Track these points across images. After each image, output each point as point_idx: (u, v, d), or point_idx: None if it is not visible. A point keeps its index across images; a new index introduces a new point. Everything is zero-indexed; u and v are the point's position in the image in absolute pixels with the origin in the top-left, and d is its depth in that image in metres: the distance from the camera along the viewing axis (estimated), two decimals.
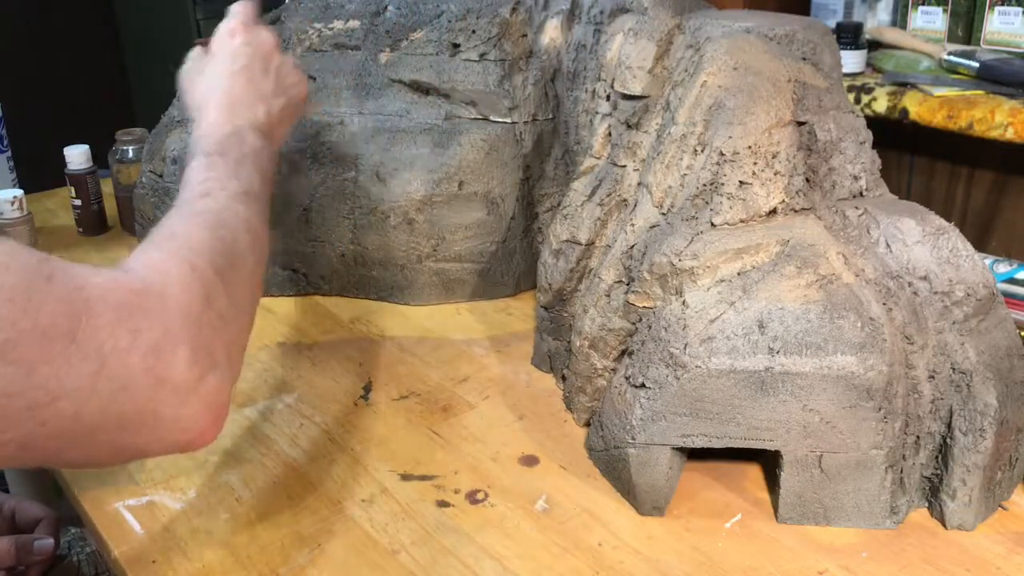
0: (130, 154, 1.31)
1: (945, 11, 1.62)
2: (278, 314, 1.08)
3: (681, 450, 0.72)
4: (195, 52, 0.84)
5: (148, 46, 3.28)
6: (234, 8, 0.85)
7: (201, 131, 0.75)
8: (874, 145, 0.81)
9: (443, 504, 0.74)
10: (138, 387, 0.51)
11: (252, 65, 0.80)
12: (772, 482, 0.74)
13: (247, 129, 0.75)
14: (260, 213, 0.70)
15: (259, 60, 0.81)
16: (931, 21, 1.64)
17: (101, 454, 0.53)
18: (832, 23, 1.62)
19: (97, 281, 0.51)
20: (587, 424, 0.83)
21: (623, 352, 0.78)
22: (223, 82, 0.78)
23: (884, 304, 0.69)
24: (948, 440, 0.69)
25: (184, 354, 0.53)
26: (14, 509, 0.80)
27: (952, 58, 1.50)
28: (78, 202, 1.33)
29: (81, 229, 1.35)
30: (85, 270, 0.51)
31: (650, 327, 0.72)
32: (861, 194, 0.79)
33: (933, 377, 0.70)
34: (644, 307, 0.74)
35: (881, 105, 1.46)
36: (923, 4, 1.65)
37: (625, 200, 0.83)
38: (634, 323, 0.76)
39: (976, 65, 1.45)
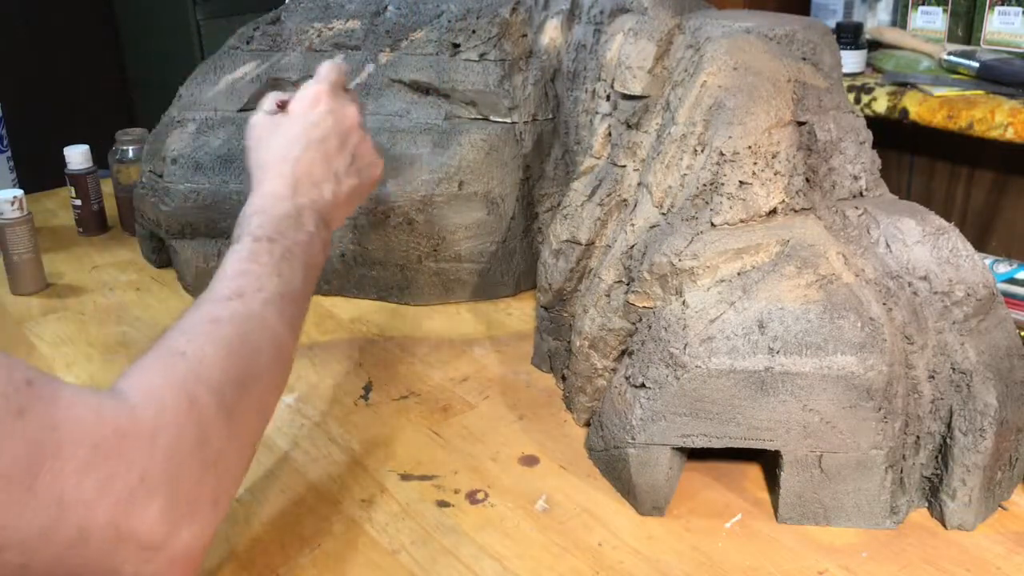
0: (130, 154, 1.31)
1: (945, 11, 1.62)
2: None
3: (681, 450, 0.72)
4: (268, 105, 0.78)
5: (148, 46, 3.28)
6: (323, 71, 0.79)
7: (257, 202, 0.69)
8: (874, 145, 0.81)
9: (443, 504, 0.74)
10: (99, 541, 0.46)
11: (329, 139, 0.74)
12: (772, 482, 0.74)
13: (308, 210, 0.69)
14: (293, 321, 0.64)
15: (338, 135, 0.75)
16: (931, 21, 1.65)
17: None
18: (832, 23, 1.62)
19: (78, 415, 0.46)
20: (587, 424, 0.83)
21: (623, 352, 0.78)
22: (295, 151, 0.72)
23: (884, 304, 0.69)
24: (948, 440, 0.69)
25: (159, 506, 0.47)
26: None
27: (952, 58, 1.50)
28: (78, 202, 1.33)
29: (81, 229, 1.35)
30: (70, 397, 0.46)
31: (650, 327, 0.72)
32: (861, 194, 0.79)
33: (933, 377, 0.70)
34: (644, 307, 0.74)
35: (881, 105, 1.46)
36: (923, 4, 1.65)
37: (625, 200, 0.83)
38: (634, 323, 0.76)
39: (976, 65, 1.45)
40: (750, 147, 0.73)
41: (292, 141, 0.73)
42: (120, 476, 0.46)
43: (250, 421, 0.57)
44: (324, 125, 0.74)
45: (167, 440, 0.49)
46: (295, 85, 0.78)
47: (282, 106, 0.77)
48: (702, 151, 0.75)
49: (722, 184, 0.73)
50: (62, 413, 0.45)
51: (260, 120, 0.76)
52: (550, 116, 1.09)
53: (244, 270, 0.62)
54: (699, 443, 0.69)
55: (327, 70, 0.79)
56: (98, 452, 0.45)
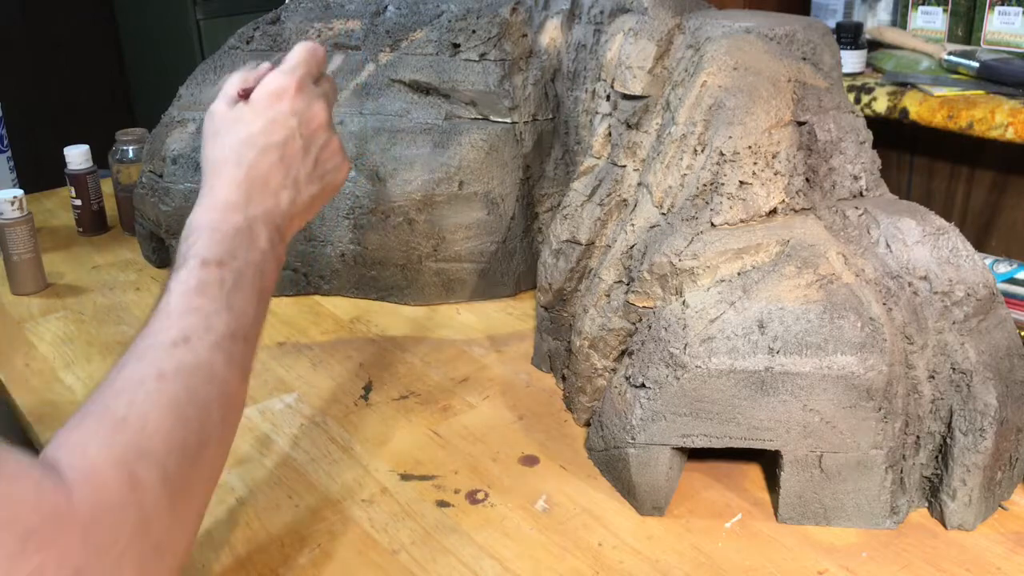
0: (130, 154, 1.31)
1: (945, 11, 1.62)
2: (278, 314, 1.08)
3: (681, 450, 0.72)
4: (228, 91, 0.69)
5: (148, 46, 3.28)
6: (293, 57, 0.69)
7: (204, 215, 0.62)
8: (874, 145, 0.81)
9: (443, 504, 0.74)
10: None
11: (291, 141, 0.66)
12: (772, 482, 0.74)
13: (261, 223, 0.63)
14: (244, 362, 0.58)
15: (302, 137, 0.67)
16: (931, 21, 1.64)
17: None
18: (832, 23, 1.62)
19: (18, 495, 0.41)
20: (587, 424, 0.83)
21: (623, 352, 0.78)
22: (251, 153, 0.64)
23: (884, 304, 0.69)
24: (948, 440, 0.69)
25: None
26: None
27: (952, 58, 1.50)
28: (78, 202, 1.33)
29: (81, 229, 1.35)
30: (12, 471, 0.42)
31: (650, 327, 0.72)
32: (861, 194, 0.79)
33: (933, 377, 0.70)
34: (644, 307, 0.74)
35: (881, 105, 1.46)
36: (923, 4, 1.65)
37: (625, 200, 0.83)
38: (634, 323, 0.76)
39: (976, 65, 1.45)
40: (750, 147, 0.73)
41: (249, 141, 0.65)
42: (52, 568, 0.41)
43: (197, 494, 0.53)
44: (287, 125, 0.66)
45: (105, 529, 0.44)
46: (272, 66, 0.70)
47: (245, 95, 0.68)
48: (702, 151, 0.75)
49: (722, 184, 0.73)
50: (2, 488, 0.41)
51: (219, 110, 0.68)
52: (550, 116, 1.09)
53: (192, 307, 0.56)
54: (699, 443, 0.69)
55: (298, 57, 0.69)
56: (31, 540, 0.41)
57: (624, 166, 0.83)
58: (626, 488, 0.73)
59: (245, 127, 0.66)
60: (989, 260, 1.11)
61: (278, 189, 0.65)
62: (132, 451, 0.48)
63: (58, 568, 0.41)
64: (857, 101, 1.48)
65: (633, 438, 0.70)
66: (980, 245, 1.58)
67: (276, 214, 0.65)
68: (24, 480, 0.42)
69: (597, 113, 0.89)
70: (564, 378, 0.89)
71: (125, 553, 0.45)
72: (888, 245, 0.74)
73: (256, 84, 0.69)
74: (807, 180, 0.75)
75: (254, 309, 0.60)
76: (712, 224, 0.72)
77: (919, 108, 1.41)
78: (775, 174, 0.73)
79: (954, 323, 0.71)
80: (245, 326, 0.58)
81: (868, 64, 1.60)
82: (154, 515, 0.47)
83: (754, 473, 0.77)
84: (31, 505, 0.41)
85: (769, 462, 0.74)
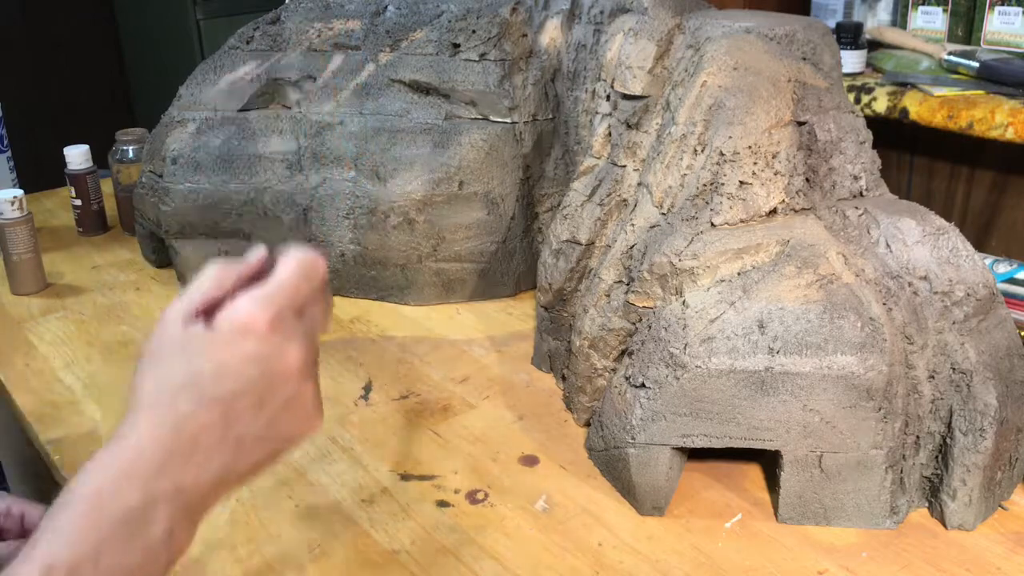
0: (130, 154, 1.31)
1: (945, 11, 1.62)
2: None
3: (681, 450, 0.72)
4: (189, 301, 0.53)
5: (148, 46, 3.28)
6: (288, 271, 0.54)
7: (96, 474, 0.47)
8: (874, 145, 0.81)
9: (443, 504, 0.74)
10: None
11: (243, 397, 0.51)
12: (772, 482, 0.74)
13: (162, 506, 0.48)
14: None
15: (257, 393, 0.52)
16: (931, 21, 1.64)
17: None
18: (832, 23, 1.62)
19: None
20: (587, 424, 0.83)
21: (623, 352, 0.78)
22: (186, 405, 0.50)
23: (884, 304, 0.69)
24: (948, 440, 0.69)
25: None
26: (23, 513, 0.69)
27: (952, 58, 1.50)
28: (78, 202, 1.33)
29: (81, 229, 1.35)
30: None
31: (650, 327, 0.72)
32: (861, 194, 0.79)
33: (933, 377, 0.70)
34: (644, 307, 0.74)
35: (881, 105, 1.46)
36: (923, 4, 1.65)
37: (625, 200, 0.83)
38: (634, 323, 0.76)
39: (976, 65, 1.45)
40: (750, 147, 0.73)
41: (190, 386, 0.50)
42: None
43: None
44: (242, 375, 0.51)
45: None
46: (260, 266, 0.56)
47: (208, 313, 0.53)
48: (702, 151, 0.75)
49: (722, 184, 0.73)
50: None
51: (170, 323, 0.53)
52: (550, 116, 1.09)
53: None
54: (699, 443, 0.69)
55: (286, 278, 0.54)
56: None
57: (624, 166, 0.83)
58: (626, 488, 0.73)
59: (190, 364, 0.51)
60: (989, 260, 1.11)
61: (208, 456, 0.50)
62: None
63: None
64: (857, 101, 1.48)
65: (633, 438, 0.70)
66: (980, 245, 1.58)
67: (192, 493, 0.50)
68: None
69: (597, 113, 0.89)
70: (564, 378, 0.89)
71: None
72: (888, 245, 0.74)
73: (227, 297, 0.54)
74: (807, 180, 0.75)
75: None
76: (712, 224, 0.72)
77: (919, 108, 1.41)
78: (775, 174, 0.73)
79: (954, 323, 0.71)
80: None
81: (868, 64, 1.60)
82: None
83: (754, 473, 0.77)
84: None
85: (769, 462, 0.74)
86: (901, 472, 0.70)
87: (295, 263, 0.55)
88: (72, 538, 0.46)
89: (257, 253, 0.57)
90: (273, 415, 0.53)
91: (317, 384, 0.55)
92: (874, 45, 1.65)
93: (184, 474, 0.49)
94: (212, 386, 0.51)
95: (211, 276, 0.55)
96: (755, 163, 0.73)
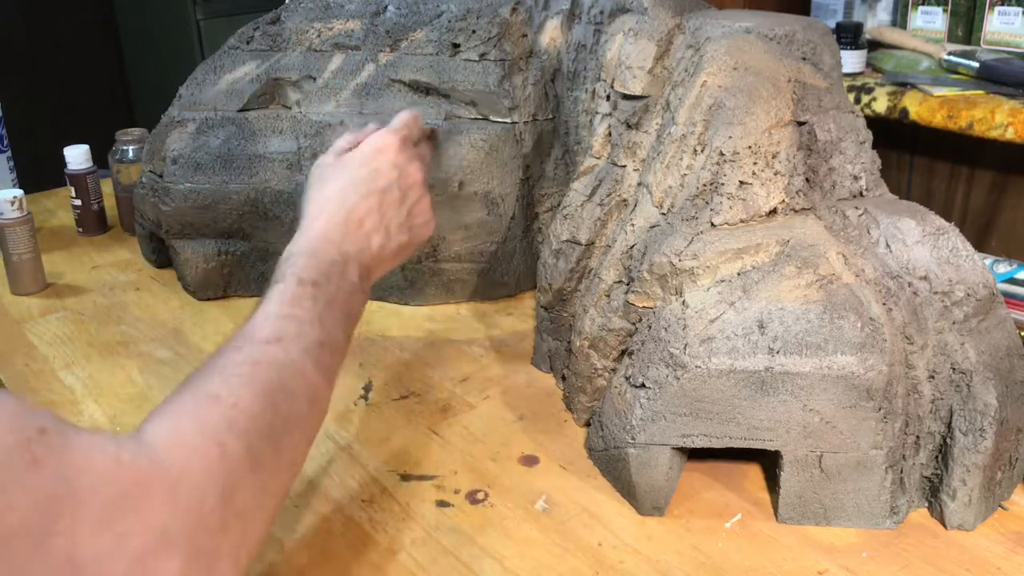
0: (130, 154, 1.31)
1: (945, 11, 1.62)
2: None
3: (681, 450, 0.72)
4: (339, 145, 0.77)
5: (148, 46, 3.28)
6: (398, 120, 0.78)
7: (304, 242, 0.67)
8: (874, 145, 0.81)
9: (443, 504, 0.74)
10: None
11: (390, 190, 0.73)
12: (772, 482, 0.74)
13: (353, 261, 0.68)
14: (330, 372, 0.62)
15: (400, 188, 0.74)
16: (931, 21, 1.65)
17: None
18: (832, 23, 1.62)
19: (94, 464, 0.42)
20: (587, 424, 0.83)
21: (623, 352, 0.78)
22: (352, 196, 0.71)
23: (884, 304, 0.69)
24: (948, 440, 0.69)
25: (177, 564, 0.44)
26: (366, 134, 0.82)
27: (952, 58, 1.50)
28: (78, 202, 1.33)
29: (81, 229, 1.35)
30: (88, 445, 0.43)
31: (650, 327, 0.72)
32: (861, 194, 0.79)
33: (933, 377, 0.70)
34: (644, 307, 0.74)
35: (881, 105, 1.46)
36: (923, 4, 1.65)
37: (625, 200, 0.83)
38: (634, 323, 0.76)
39: (976, 65, 1.45)
40: (750, 147, 0.73)
41: (352, 186, 0.72)
42: (138, 531, 0.43)
43: (279, 474, 0.54)
44: (388, 176, 0.74)
45: (191, 492, 0.46)
46: (378, 126, 0.78)
47: (352, 149, 0.76)
48: (702, 151, 0.75)
49: (722, 184, 0.73)
50: (78, 462, 0.42)
51: (327, 160, 0.75)
52: (550, 116, 1.09)
53: (286, 314, 0.60)
54: (699, 443, 0.69)
55: (402, 120, 0.79)
56: (116, 505, 0.42)
57: (624, 166, 0.83)
58: (626, 488, 0.73)
59: (351, 173, 0.73)
60: (989, 260, 1.11)
61: (371, 232, 0.71)
62: (222, 423, 0.50)
63: (144, 529, 0.43)
64: (857, 101, 1.48)
65: (633, 438, 0.70)
66: (980, 245, 1.58)
67: (366, 255, 0.70)
68: (99, 453, 0.43)
69: (597, 113, 0.89)
70: (564, 378, 0.89)
71: (208, 518, 0.46)
72: (888, 245, 0.74)
73: (362, 141, 0.77)
74: (807, 180, 0.75)
75: (341, 333, 0.64)
76: (712, 224, 0.72)
77: (919, 108, 1.41)
78: (775, 174, 0.73)
79: (954, 323, 0.71)
80: (334, 341, 0.62)
81: (868, 64, 1.60)
82: (239, 486, 0.49)
83: (754, 473, 0.77)
84: (111, 473, 0.43)
85: (769, 462, 0.74)
86: (901, 472, 0.70)
87: (405, 113, 0.80)
88: (305, 268, 0.64)
89: (371, 125, 0.80)
90: (410, 209, 0.75)
91: (430, 198, 0.79)
92: (874, 45, 1.66)
93: (359, 243, 0.69)
94: (368, 183, 0.72)
95: (347, 134, 0.78)
96: (755, 163, 0.73)
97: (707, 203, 0.73)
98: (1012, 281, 1.05)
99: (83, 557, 0.41)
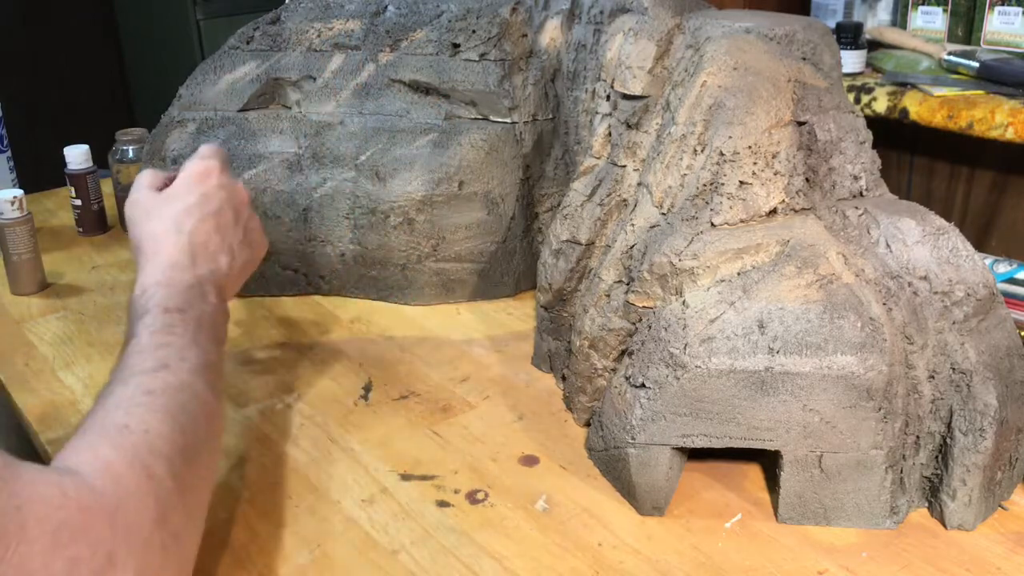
0: (130, 154, 1.31)
1: (945, 11, 1.62)
2: (278, 314, 1.08)
3: (681, 450, 0.72)
4: (147, 181, 0.76)
5: (148, 46, 3.28)
6: (205, 150, 0.78)
7: (155, 273, 0.68)
8: (874, 145, 0.81)
9: (443, 504, 0.74)
10: None
11: (223, 212, 0.74)
12: (772, 482, 0.74)
13: (208, 282, 0.69)
14: (217, 388, 0.64)
15: (232, 209, 0.75)
16: (931, 21, 1.65)
17: None
18: (832, 23, 1.62)
19: (42, 494, 0.44)
20: (587, 424, 0.83)
21: (623, 352, 0.78)
22: (188, 222, 0.71)
23: (884, 304, 0.69)
24: (948, 440, 0.69)
25: None
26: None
27: (952, 58, 1.50)
28: (78, 202, 1.33)
29: (81, 229, 1.35)
30: (31, 476, 0.44)
31: (650, 327, 0.72)
32: (861, 194, 0.79)
33: (933, 377, 0.70)
34: (644, 307, 0.74)
35: (881, 105, 1.46)
36: (923, 4, 1.65)
37: (625, 200, 0.83)
38: (634, 323, 0.76)
39: (976, 65, 1.45)
40: (750, 147, 0.73)
41: (185, 212, 0.71)
42: (87, 556, 0.44)
43: (200, 492, 0.57)
44: (218, 197, 0.74)
45: (129, 519, 0.47)
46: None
47: (167, 183, 0.76)
48: (702, 151, 0.75)
49: (722, 184, 0.73)
50: (26, 491, 0.43)
51: (143, 196, 0.74)
52: (550, 116, 1.09)
53: (162, 342, 0.61)
54: (699, 443, 0.69)
55: (208, 149, 0.78)
56: (64, 532, 0.43)
57: (624, 166, 0.83)
58: (626, 488, 0.73)
59: (180, 201, 0.72)
60: (989, 260, 1.11)
61: (216, 253, 0.72)
62: (142, 449, 0.51)
63: (92, 555, 0.44)
64: (857, 101, 1.48)
65: (633, 438, 0.70)
66: (980, 245, 1.58)
67: (218, 275, 0.71)
68: (43, 483, 0.45)
69: (597, 113, 0.89)
70: (564, 378, 0.89)
71: (149, 540, 0.48)
72: (888, 245, 0.74)
73: (174, 176, 0.76)
74: (807, 180, 0.75)
75: (215, 352, 0.65)
76: (712, 224, 0.72)
77: (919, 108, 1.41)
78: (775, 174, 0.73)
79: (954, 323, 0.71)
80: (212, 359, 0.64)
81: (868, 64, 1.60)
82: (169, 506, 0.51)
83: (754, 473, 0.77)
84: (56, 503, 0.44)
85: (769, 462, 0.74)
86: (901, 472, 0.70)
87: (206, 147, 0.78)
88: (167, 298, 0.64)
89: (171, 172, 0.78)
90: (245, 227, 0.76)
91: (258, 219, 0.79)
92: (874, 45, 1.66)
93: (209, 264, 0.70)
94: (201, 207, 0.72)
95: (148, 173, 0.76)
96: (755, 163, 0.73)
97: (707, 203, 0.73)
98: (1012, 281, 1.05)
99: None
